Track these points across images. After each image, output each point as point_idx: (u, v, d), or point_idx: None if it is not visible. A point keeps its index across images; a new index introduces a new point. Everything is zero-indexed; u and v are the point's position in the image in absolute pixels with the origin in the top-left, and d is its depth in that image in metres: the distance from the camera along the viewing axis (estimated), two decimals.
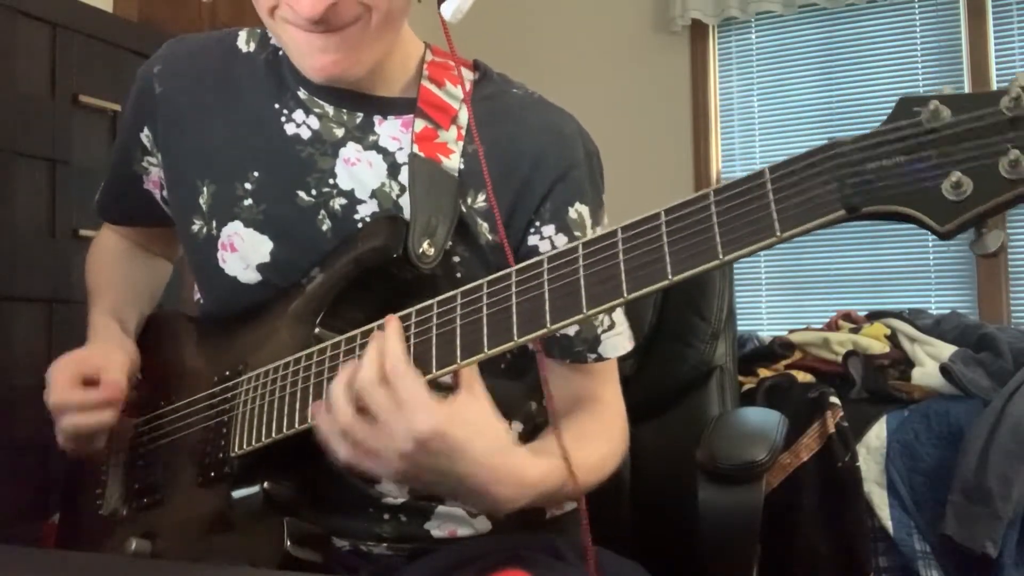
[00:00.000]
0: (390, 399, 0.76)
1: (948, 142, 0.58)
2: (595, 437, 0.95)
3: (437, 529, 0.97)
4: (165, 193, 1.08)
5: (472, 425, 0.77)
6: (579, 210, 0.97)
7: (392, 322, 0.79)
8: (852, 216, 0.61)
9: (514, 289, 0.74)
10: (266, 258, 0.97)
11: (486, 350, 0.75)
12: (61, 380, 0.98)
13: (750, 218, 0.63)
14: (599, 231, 0.97)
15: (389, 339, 0.78)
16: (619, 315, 1.01)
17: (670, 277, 0.66)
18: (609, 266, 0.69)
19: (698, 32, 3.34)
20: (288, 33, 0.88)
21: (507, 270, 0.75)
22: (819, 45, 3.20)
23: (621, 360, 1.04)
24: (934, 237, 0.59)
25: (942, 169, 0.58)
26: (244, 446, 0.90)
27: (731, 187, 0.65)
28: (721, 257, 0.64)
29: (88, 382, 0.99)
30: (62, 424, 0.98)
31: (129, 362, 1.03)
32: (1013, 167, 0.56)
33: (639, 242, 0.68)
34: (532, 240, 0.96)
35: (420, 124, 0.96)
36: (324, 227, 0.96)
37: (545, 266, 0.73)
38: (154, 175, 1.09)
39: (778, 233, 0.62)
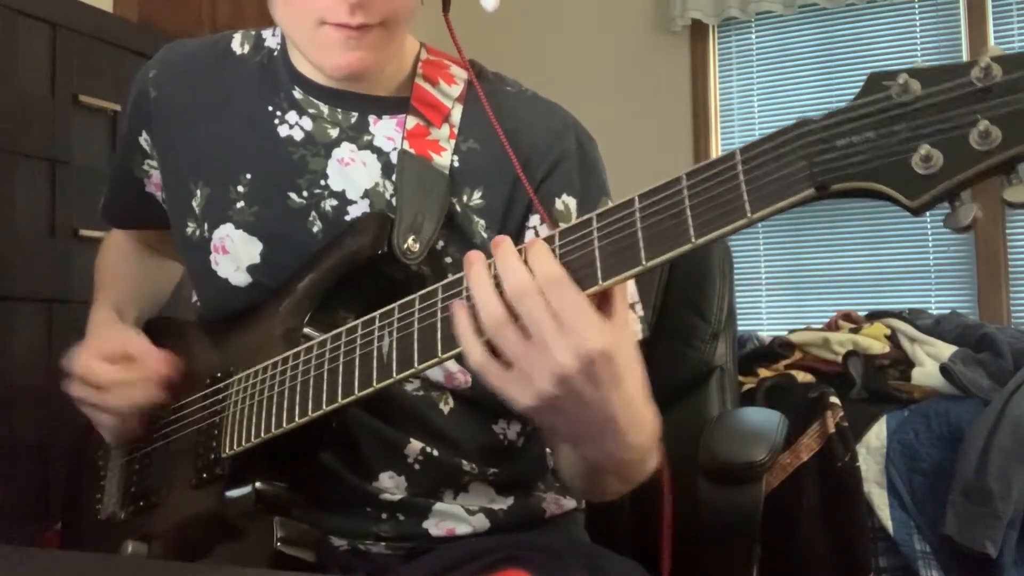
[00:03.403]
0: (551, 312, 0.67)
1: (918, 115, 0.57)
2: None
3: (435, 528, 0.97)
4: (164, 195, 1.08)
5: (629, 354, 0.70)
6: (566, 202, 0.97)
7: (538, 241, 0.71)
8: (822, 194, 0.60)
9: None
10: (256, 260, 0.98)
11: None
12: (97, 362, 0.97)
13: (721, 200, 0.63)
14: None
15: (537, 249, 0.69)
16: (632, 291, 0.93)
17: (643, 263, 0.65)
18: (583, 254, 0.68)
19: (698, 32, 3.34)
20: (322, 32, 0.88)
21: (487, 262, 0.75)
22: (819, 45, 3.20)
23: None
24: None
25: (911, 143, 0.56)
26: (235, 446, 0.90)
27: (703, 169, 0.64)
28: (694, 241, 0.63)
29: (117, 361, 0.98)
30: (115, 402, 0.96)
31: (147, 339, 1.01)
32: (983, 138, 0.54)
33: (612, 229, 0.67)
34: (525, 234, 0.96)
35: (412, 121, 0.96)
36: (315, 229, 0.96)
37: (523, 256, 0.72)
38: (156, 178, 1.10)
39: (748, 214, 0.61)
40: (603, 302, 0.69)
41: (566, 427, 0.74)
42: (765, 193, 0.61)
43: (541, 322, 0.67)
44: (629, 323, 0.72)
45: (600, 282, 0.67)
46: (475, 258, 0.72)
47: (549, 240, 0.71)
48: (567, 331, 0.66)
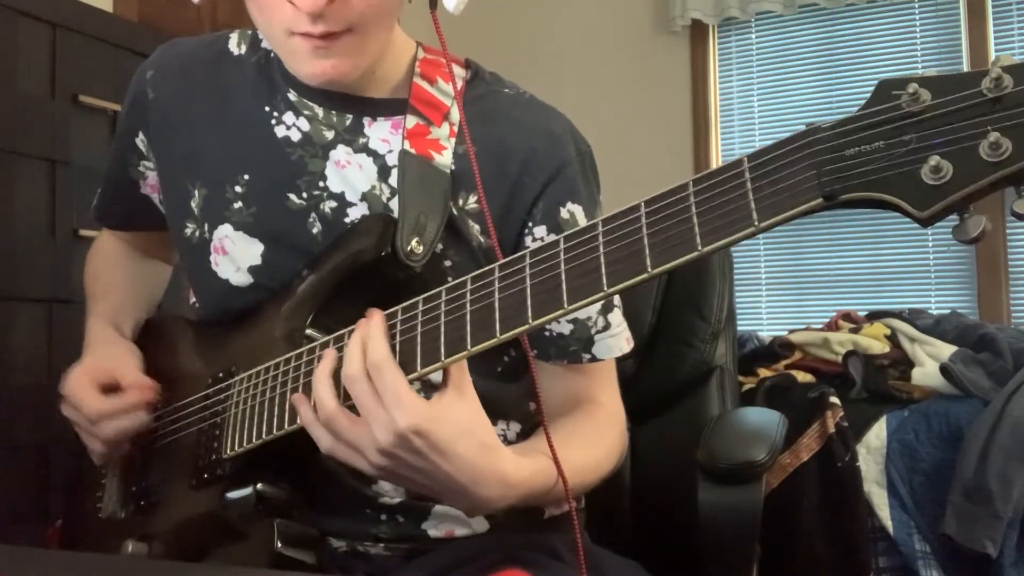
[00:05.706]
0: (372, 392, 0.76)
1: (927, 125, 0.56)
2: (588, 438, 0.95)
3: (434, 529, 0.97)
4: (161, 196, 1.08)
5: (457, 425, 0.77)
6: (571, 210, 0.97)
7: (375, 314, 0.79)
8: (831, 204, 0.59)
9: (497, 285, 0.73)
10: (257, 260, 0.97)
11: (469, 347, 0.74)
12: (87, 392, 0.98)
13: (728, 208, 0.62)
14: None
15: (372, 332, 0.78)
16: (616, 316, 1.01)
17: (649, 270, 0.65)
18: (589, 260, 0.68)
19: (698, 32, 3.34)
20: (292, 42, 0.87)
21: (491, 266, 0.75)
22: (819, 45, 3.19)
23: (621, 360, 1.03)
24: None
25: (921, 153, 0.56)
26: (236, 447, 0.90)
27: (710, 176, 0.64)
28: (700, 249, 0.63)
29: (107, 388, 0.99)
30: (105, 432, 0.98)
31: (139, 360, 1.03)
32: (994, 149, 0.53)
33: (618, 235, 0.67)
34: (526, 242, 0.96)
35: (412, 120, 0.95)
36: (315, 230, 0.96)
37: (527, 261, 0.72)
38: (151, 179, 1.10)
39: (756, 223, 0.61)
40: (444, 375, 0.78)
41: (417, 488, 0.82)
42: (773, 202, 0.60)
43: (365, 404, 0.76)
44: (464, 392, 0.78)
45: (605, 288, 0.67)
46: (325, 354, 0.81)
47: (548, 248, 0.71)
48: (384, 410, 0.75)
